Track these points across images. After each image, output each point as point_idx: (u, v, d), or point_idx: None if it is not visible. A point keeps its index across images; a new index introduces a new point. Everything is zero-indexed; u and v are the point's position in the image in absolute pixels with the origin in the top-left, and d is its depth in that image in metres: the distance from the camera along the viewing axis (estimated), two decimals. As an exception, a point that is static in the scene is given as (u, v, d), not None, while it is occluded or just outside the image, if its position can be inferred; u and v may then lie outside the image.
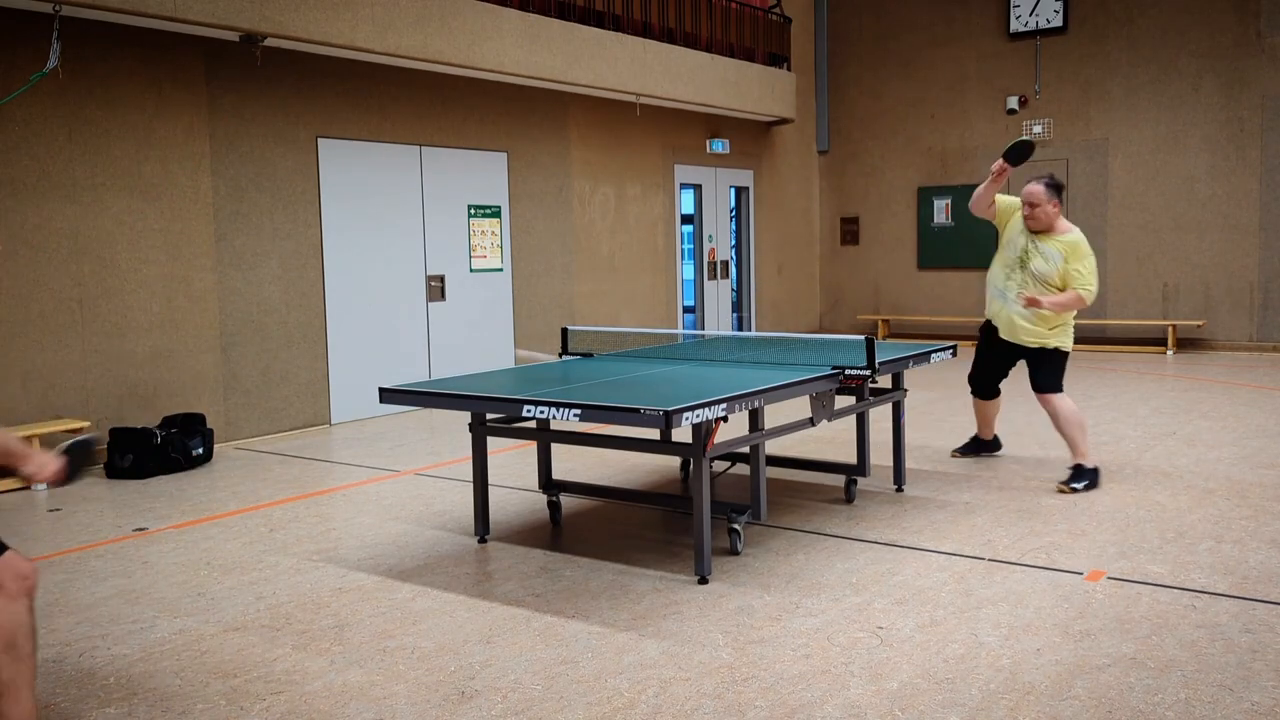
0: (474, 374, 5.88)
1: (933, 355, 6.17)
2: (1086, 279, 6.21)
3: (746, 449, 5.16)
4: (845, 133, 15.81)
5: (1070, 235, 6.33)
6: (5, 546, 3.00)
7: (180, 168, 8.08)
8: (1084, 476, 6.18)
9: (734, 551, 5.00)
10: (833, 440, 7.77)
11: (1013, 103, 14.19)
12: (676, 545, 5.23)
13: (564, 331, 6.48)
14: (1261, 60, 12.65)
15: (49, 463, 3.15)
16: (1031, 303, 6.18)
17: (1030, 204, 6.33)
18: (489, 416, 5.30)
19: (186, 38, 7.97)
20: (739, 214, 14.59)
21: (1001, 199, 6.61)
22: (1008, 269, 6.48)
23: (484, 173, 10.54)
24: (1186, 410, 8.79)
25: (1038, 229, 6.35)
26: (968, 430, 7.41)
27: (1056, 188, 6.36)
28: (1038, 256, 6.33)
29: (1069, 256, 6.24)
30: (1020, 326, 6.41)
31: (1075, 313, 6.43)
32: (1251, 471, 6.49)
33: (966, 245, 14.68)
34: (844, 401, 5.66)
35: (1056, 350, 6.38)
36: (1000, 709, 3.33)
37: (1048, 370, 6.38)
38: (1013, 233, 6.50)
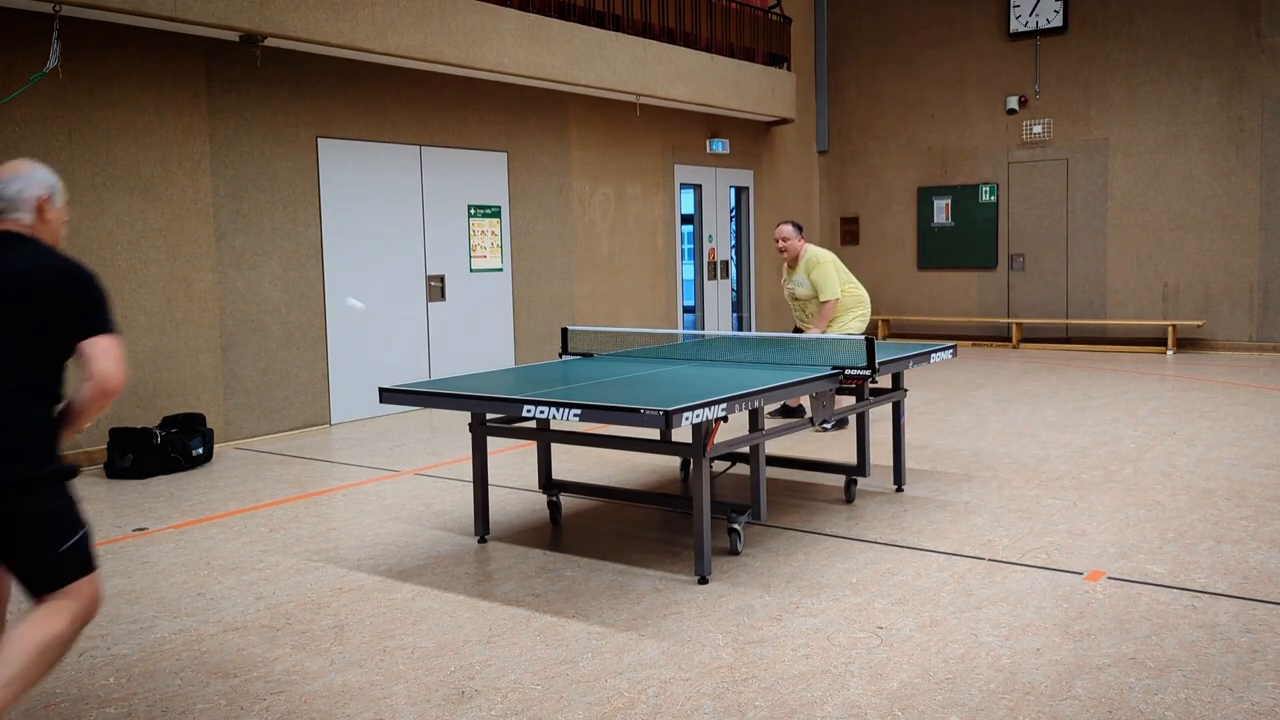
0: (474, 374, 5.88)
1: (933, 355, 6.18)
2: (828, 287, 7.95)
3: (746, 449, 5.16)
4: (845, 133, 15.81)
5: (810, 254, 8.04)
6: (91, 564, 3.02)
7: (180, 168, 8.08)
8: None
9: (734, 551, 5.00)
10: (833, 440, 7.77)
11: (1013, 103, 14.19)
12: (676, 545, 5.23)
13: (564, 331, 6.48)
14: (1261, 60, 12.65)
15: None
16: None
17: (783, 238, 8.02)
18: (489, 416, 5.30)
19: (186, 38, 7.97)
20: (739, 214, 14.59)
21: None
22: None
23: (484, 173, 10.54)
24: (1186, 410, 8.79)
25: (792, 264, 8.07)
26: (968, 430, 7.43)
27: (799, 226, 8.18)
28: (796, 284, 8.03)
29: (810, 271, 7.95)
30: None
31: (849, 310, 8.02)
32: (1251, 471, 6.49)
33: (966, 245, 14.69)
34: (844, 401, 5.66)
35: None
36: (1000, 709, 3.33)
37: None
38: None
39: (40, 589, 2.92)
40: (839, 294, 7.97)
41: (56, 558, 2.90)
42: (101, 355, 2.95)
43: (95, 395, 2.95)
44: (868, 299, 8.33)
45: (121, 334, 3.10)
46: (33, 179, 3.09)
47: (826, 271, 7.93)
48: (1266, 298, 12.83)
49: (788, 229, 8.10)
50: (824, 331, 7.64)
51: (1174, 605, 4.20)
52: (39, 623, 2.87)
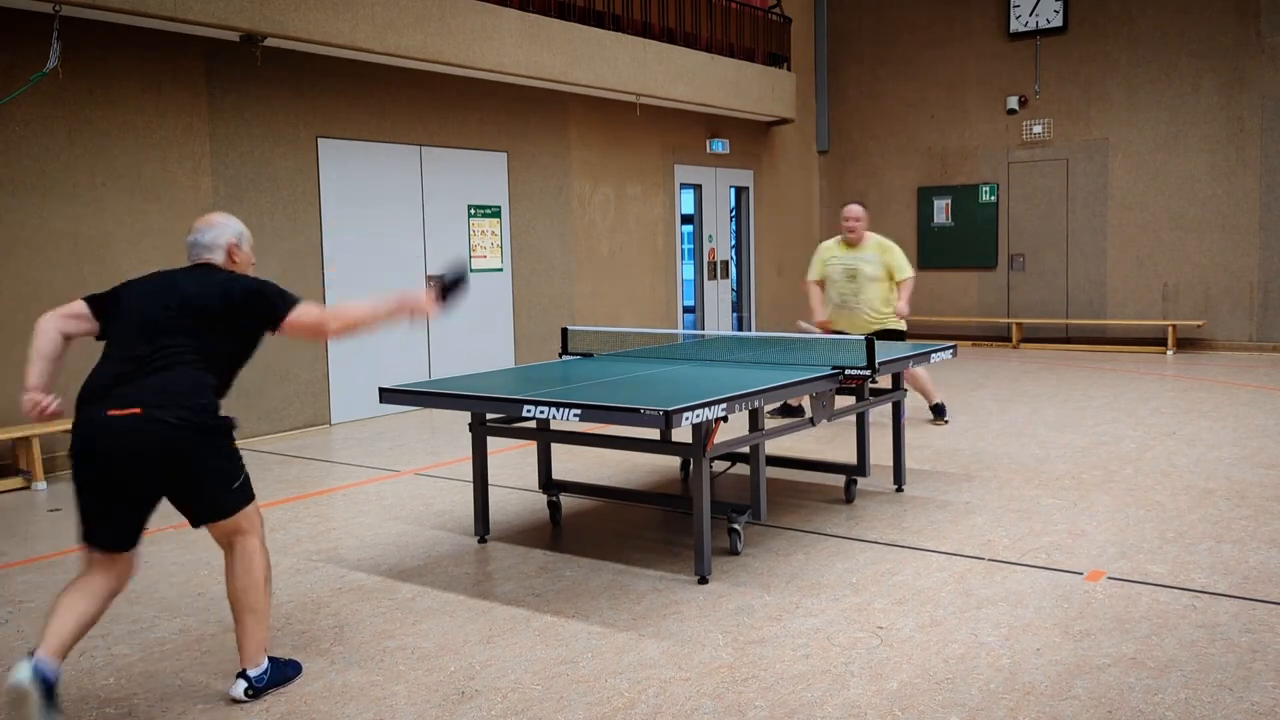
0: (474, 374, 5.88)
1: (933, 355, 6.18)
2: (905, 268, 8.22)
3: (746, 449, 5.16)
4: (845, 133, 15.81)
5: (877, 238, 8.32)
6: (252, 495, 3.63)
7: (180, 168, 8.08)
8: (944, 411, 8.46)
9: (734, 551, 5.00)
10: (833, 440, 7.77)
11: (1013, 103, 14.19)
12: (676, 545, 5.23)
13: (564, 331, 6.48)
14: (1261, 60, 12.65)
15: (422, 301, 3.80)
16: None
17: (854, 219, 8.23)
18: (489, 416, 5.30)
19: (186, 38, 7.97)
20: (739, 214, 14.59)
21: (821, 265, 8.42)
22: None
23: (484, 173, 10.54)
24: (1186, 410, 8.79)
25: (857, 243, 8.24)
26: (968, 430, 7.43)
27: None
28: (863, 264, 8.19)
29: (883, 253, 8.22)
30: (867, 320, 8.12)
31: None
32: (1251, 471, 6.49)
33: (966, 245, 14.69)
34: (844, 401, 5.66)
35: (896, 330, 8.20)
36: (1000, 709, 3.33)
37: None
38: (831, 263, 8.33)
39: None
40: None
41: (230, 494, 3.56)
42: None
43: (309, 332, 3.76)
44: None
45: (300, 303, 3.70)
46: (225, 229, 3.78)
47: (901, 254, 8.27)
48: (1266, 298, 12.83)
49: (860, 209, 8.35)
50: (906, 307, 8.15)
51: (1174, 605, 4.20)
52: (242, 565, 3.55)
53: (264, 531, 3.67)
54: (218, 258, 3.76)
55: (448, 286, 3.83)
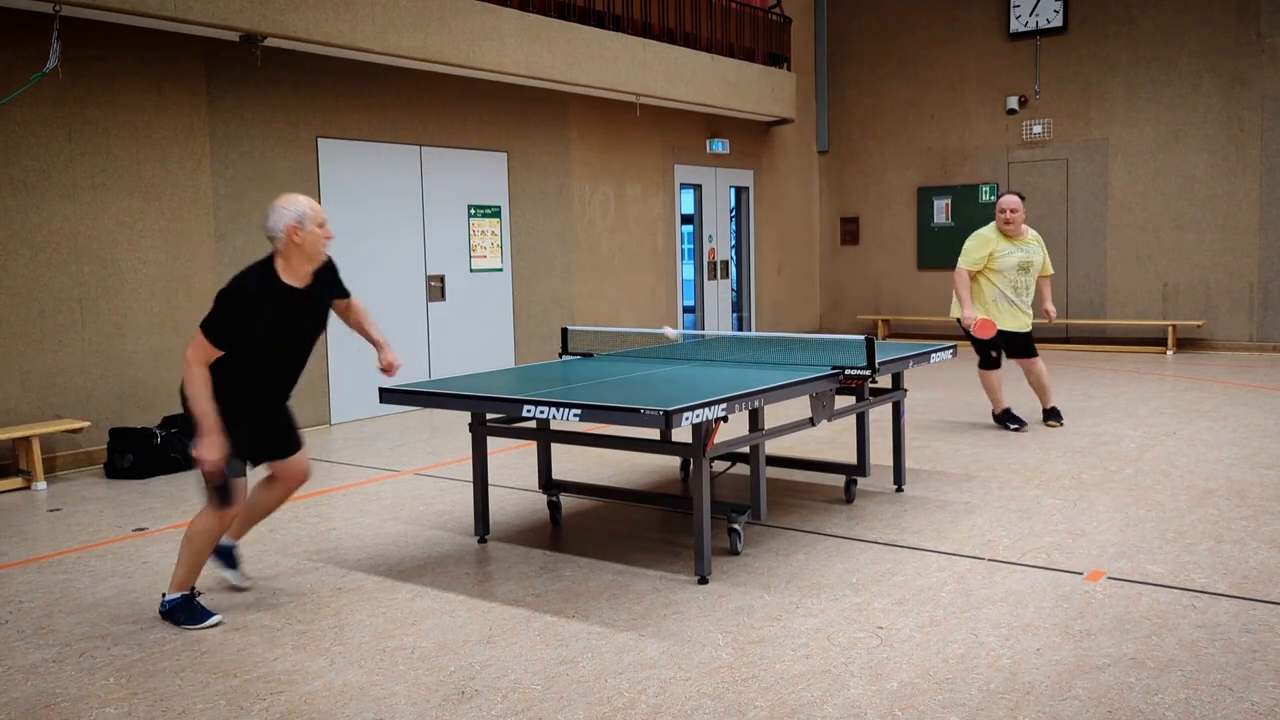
0: (474, 374, 5.88)
1: (933, 355, 6.17)
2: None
3: (746, 449, 5.16)
4: (845, 133, 15.81)
5: (1033, 231, 8.13)
6: (298, 446, 4.50)
7: (180, 168, 8.08)
8: (1059, 414, 8.23)
9: (734, 551, 5.00)
10: (832, 440, 7.77)
11: (1013, 103, 14.19)
12: (676, 545, 5.23)
13: (564, 331, 6.48)
14: (1261, 60, 12.65)
15: (209, 441, 4.06)
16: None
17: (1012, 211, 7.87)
18: (489, 416, 5.30)
19: (186, 38, 7.97)
20: (739, 214, 14.59)
21: (987, 256, 7.95)
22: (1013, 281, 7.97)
23: (484, 173, 10.54)
24: (1186, 410, 8.79)
25: (1016, 235, 7.93)
26: (967, 430, 7.42)
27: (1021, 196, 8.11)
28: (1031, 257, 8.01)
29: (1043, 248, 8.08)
30: (1029, 316, 8.02)
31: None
32: (1251, 471, 6.49)
33: (966, 245, 14.68)
34: (844, 401, 5.66)
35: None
36: (1000, 709, 3.33)
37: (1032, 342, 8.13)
38: (1001, 254, 7.90)
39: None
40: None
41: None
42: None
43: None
44: None
45: (206, 334, 4.05)
46: (283, 213, 4.12)
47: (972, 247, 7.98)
48: (1266, 298, 12.83)
49: (1017, 200, 7.95)
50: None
51: (1174, 605, 4.20)
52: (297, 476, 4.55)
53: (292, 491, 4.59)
54: (279, 245, 4.15)
55: (218, 483, 4.13)
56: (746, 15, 13.55)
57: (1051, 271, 8.23)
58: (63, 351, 7.39)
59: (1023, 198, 8.08)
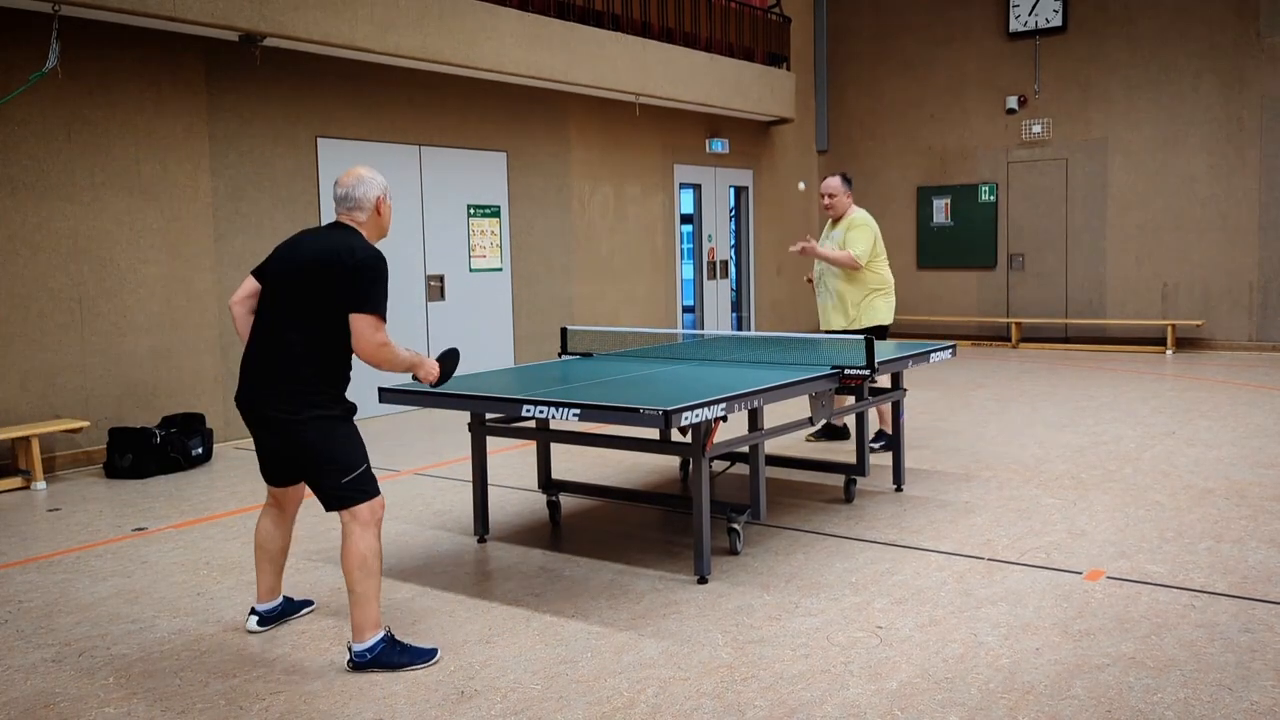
0: (474, 374, 5.88)
1: (932, 355, 6.18)
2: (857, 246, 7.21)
3: (746, 449, 5.16)
4: (845, 132, 15.81)
5: (854, 215, 7.39)
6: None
7: (180, 168, 8.08)
8: (883, 438, 7.16)
9: (734, 551, 5.01)
10: (832, 440, 7.77)
11: (1012, 103, 14.19)
12: (676, 545, 5.23)
13: (564, 331, 6.48)
14: (1261, 60, 12.65)
15: (432, 367, 4.06)
16: (806, 250, 7.25)
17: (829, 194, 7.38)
18: (489, 416, 5.30)
19: (186, 38, 7.97)
20: (738, 214, 14.59)
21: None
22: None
23: (484, 173, 10.54)
24: (1186, 410, 8.79)
25: (836, 217, 7.43)
26: (967, 429, 7.42)
27: (848, 179, 7.55)
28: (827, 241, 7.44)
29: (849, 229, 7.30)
30: (831, 316, 7.39)
31: (874, 289, 7.29)
32: (1251, 471, 6.50)
33: (966, 245, 14.69)
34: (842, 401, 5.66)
35: (871, 329, 7.19)
36: (1000, 709, 3.33)
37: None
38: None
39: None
40: (865, 258, 7.19)
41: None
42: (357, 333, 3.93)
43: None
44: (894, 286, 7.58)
45: (377, 311, 3.87)
46: (373, 181, 3.90)
47: (864, 234, 7.22)
48: (1266, 298, 12.83)
49: (835, 182, 7.34)
50: (830, 256, 7.16)
51: (1173, 605, 4.21)
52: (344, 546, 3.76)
53: (379, 521, 3.86)
54: (361, 216, 3.89)
55: (445, 362, 4.12)
56: (746, 15, 13.55)
57: (851, 251, 7.18)
58: (62, 351, 7.39)
59: (848, 181, 7.47)
